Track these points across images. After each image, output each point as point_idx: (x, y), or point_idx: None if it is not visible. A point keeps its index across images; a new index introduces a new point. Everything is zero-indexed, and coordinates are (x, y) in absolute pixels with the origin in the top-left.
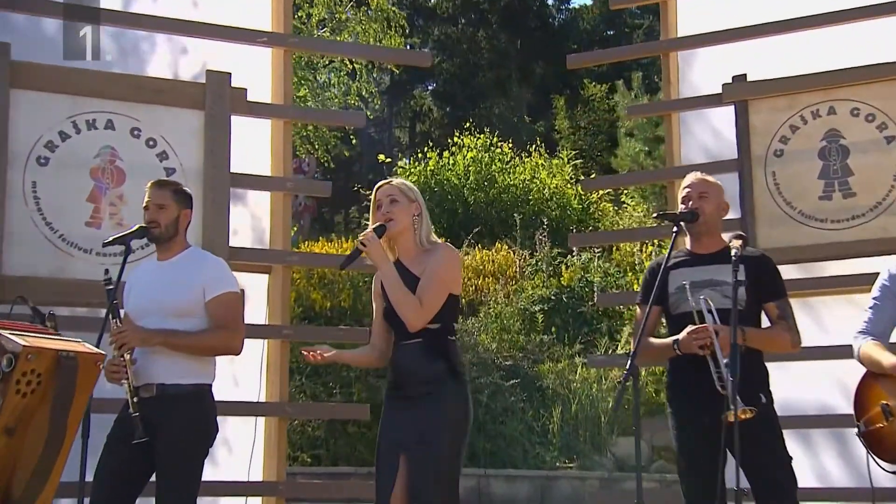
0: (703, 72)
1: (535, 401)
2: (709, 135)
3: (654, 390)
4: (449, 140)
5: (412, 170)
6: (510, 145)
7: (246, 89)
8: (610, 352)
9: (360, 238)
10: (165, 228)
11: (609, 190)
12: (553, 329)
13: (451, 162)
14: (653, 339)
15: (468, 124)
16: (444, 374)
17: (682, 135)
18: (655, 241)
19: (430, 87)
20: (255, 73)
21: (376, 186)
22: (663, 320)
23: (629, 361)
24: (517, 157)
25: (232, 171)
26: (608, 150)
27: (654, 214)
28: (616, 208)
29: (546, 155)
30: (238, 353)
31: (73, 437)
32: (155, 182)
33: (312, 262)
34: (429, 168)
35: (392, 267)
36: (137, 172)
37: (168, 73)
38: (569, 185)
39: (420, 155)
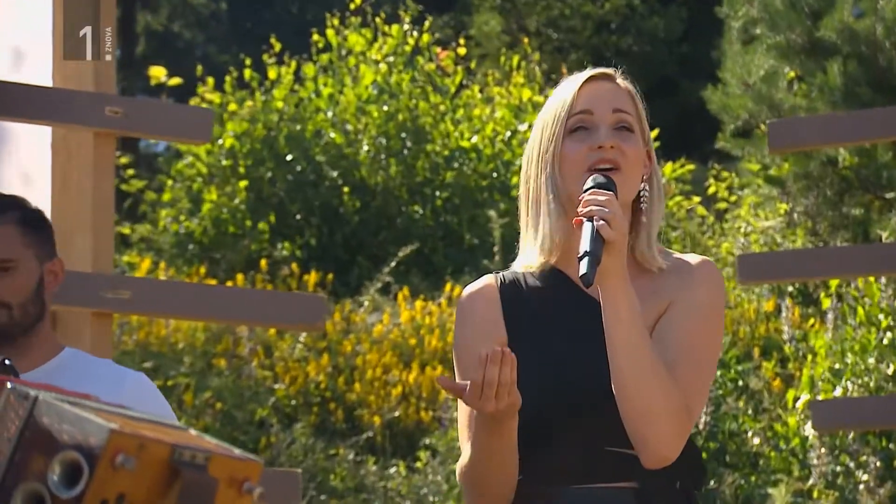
0: None
1: None
2: None
3: None
4: (318, 37)
5: (237, 102)
6: (455, 52)
7: None
8: None
9: (596, 203)
10: (22, 312)
11: (686, 168)
12: None
13: (332, 86)
14: None
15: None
16: None
17: None
18: (849, 284)
19: None
20: None
21: (581, 77)
22: None
23: None
24: (473, 85)
25: None
26: None
27: None
28: (706, 209)
29: (542, 77)
30: None
31: None
32: None
33: (173, 309)
34: (274, 102)
35: (636, 299)
36: None
37: None
38: None
39: (247, 74)
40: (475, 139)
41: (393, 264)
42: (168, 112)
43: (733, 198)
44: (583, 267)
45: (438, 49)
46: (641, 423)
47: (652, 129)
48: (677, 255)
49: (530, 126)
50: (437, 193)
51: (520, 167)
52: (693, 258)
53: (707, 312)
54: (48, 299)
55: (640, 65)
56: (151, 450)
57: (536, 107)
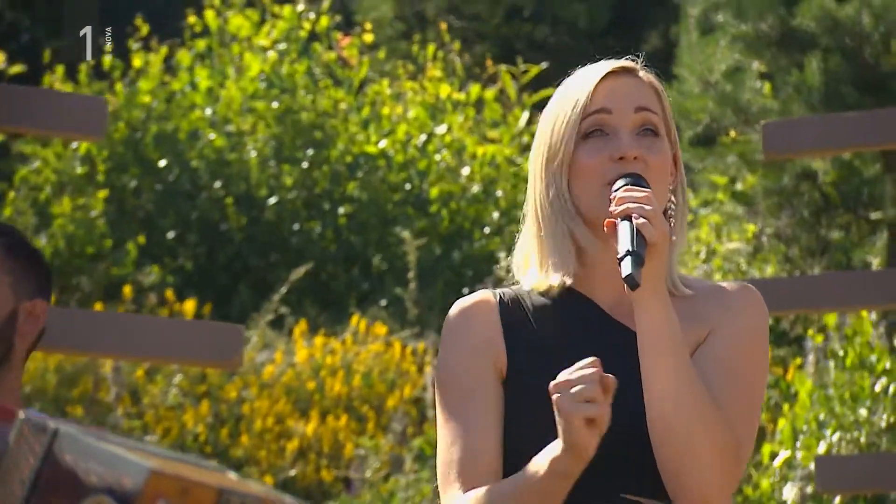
0: None
1: None
2: None
3: None
4: (194, 19)
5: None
6: (361, 40)
7: None
8: None
9: (633, 200)
10: None
11: None
12: None
13: (211, 77)
14: None
15: None
16: None
17: None
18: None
19: None
20: None
21: (599, 72)
22: None
23: None
24: (381, 79)
25: None
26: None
27: None
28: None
29: (463, 71)
30: None
31: None
32: None
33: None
34: (139, 96)
35: (674, 314)
36: None
37: None
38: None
39: (105, 62)
40: (384, 143)
41: (284, 290)
42: (52, 101)
43: (689, 217)
44: (626, 267)
45: (339, 35)
46: (682, 464)
47: None
48: (706, 281)
49: (449, 128)
50: (340, 209)
51: (438, 177)
52: (731, 283)
53: (753, 341)
54: (19, 345)
55: (557, 60)
56: (196, 495)
57: (457, 106)
